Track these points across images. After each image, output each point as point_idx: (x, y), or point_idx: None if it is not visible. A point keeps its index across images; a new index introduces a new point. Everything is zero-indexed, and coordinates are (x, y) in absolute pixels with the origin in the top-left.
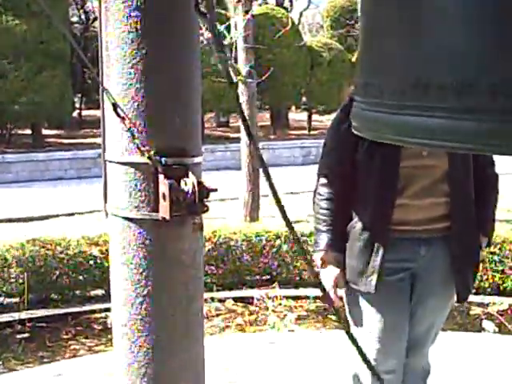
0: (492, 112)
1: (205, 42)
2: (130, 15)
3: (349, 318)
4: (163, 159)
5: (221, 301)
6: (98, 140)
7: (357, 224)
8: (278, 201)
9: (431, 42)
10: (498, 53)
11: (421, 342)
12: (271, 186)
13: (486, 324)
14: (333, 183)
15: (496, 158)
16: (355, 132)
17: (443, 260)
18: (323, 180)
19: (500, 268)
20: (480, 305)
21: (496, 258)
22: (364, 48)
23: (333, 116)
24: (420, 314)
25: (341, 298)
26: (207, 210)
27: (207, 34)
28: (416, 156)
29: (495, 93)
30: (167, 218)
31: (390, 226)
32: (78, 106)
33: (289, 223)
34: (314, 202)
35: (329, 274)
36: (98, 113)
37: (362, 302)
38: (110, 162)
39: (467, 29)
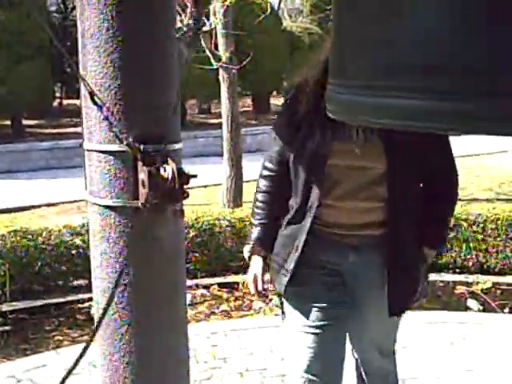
0: (464, 94)
1: (185, 29)
2: (106, 2)
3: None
4: (142, 146)
5: (206, 287)
6: (80, 129)
7: (283, 221)
8: None
9: (403, 24)
10: (471, 35)
11: (369, 349)
12: None
13: (471, 303)
14: (272, 177)
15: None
16: (330, 115)
17: (376, 270)
18: (264, 172)
19: (483, 247)
20: (464, 284)
21: (479, 236)
22: (338, 30)
23: None
24: (358, 320)
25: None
26: (187, 197)
27: (186, 21)
28: (348, 155)
29: (467, 75)
30: (147, 205)
31: (313, 226)
32: (58, 95)
33: None
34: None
35: (252, 269)
36: (78, 102)
37: (286, 300)
38: (89, 150)
39: (439, 10)
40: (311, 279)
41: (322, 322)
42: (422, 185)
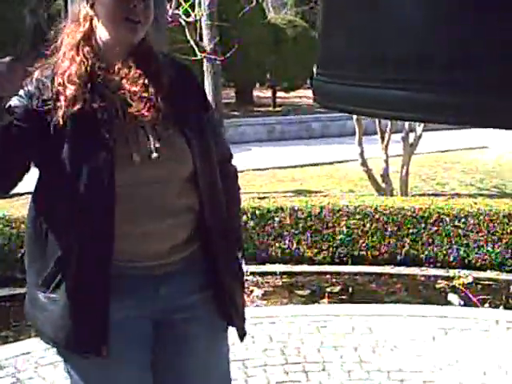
0: (448, 84)
1: (169, 20)
2: None
3: None
4: None
5: None
6: None
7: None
8: None
9: (389, 15)
10: (456, 26)
11: None
12: None
13: (452, 297)
14: None
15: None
16: (319, 105)
17: (199, 295)
18: None
19: (464, 241)
20: (445, 278)
21: (460, 231)
22: (325, 21)
23: (298, 93)
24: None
25: None
26: None
27: (171, 11)
28: (128, 166)
29: (452, 66)
30: None
31: (109, 265)
32: None
33: None
34: None
35: None
36: None
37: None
38: None
39: (425, 1)
40: (120, 338)
41: None
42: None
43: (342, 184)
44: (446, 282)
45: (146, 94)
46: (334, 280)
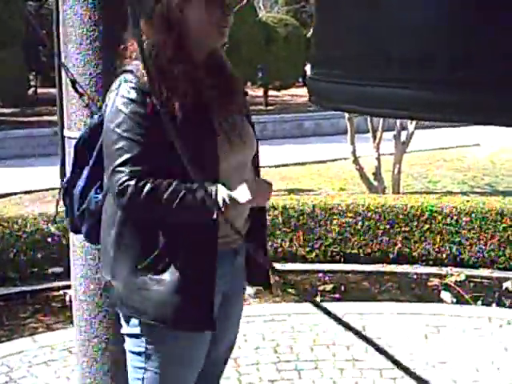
0: (450, 84)
1: None
2: None
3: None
4: None
5: None
6: (55, 118)
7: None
8: None
9: (391, 14)
10: (460, 26)
11: (219, 365)
12: None
13: (444, 295)
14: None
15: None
16: (317, 106)
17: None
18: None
19: (457, 239)
20: (437, 276)
21: (453, 229)
22: (322, 19)
23: (289, 91)
24: (222, 329)
25: None
26: None
27: None
28: (227, 153)
29: (455, 66)
30: None
31: (216, 245)
32: (33, 83)
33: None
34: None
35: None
36: (53, 90)
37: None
38: (69, 138)
39: (426, 1)
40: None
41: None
42: None
43: (334, 182)
44: (438, 280)
45: (232, 89)
46: (326, 278)
